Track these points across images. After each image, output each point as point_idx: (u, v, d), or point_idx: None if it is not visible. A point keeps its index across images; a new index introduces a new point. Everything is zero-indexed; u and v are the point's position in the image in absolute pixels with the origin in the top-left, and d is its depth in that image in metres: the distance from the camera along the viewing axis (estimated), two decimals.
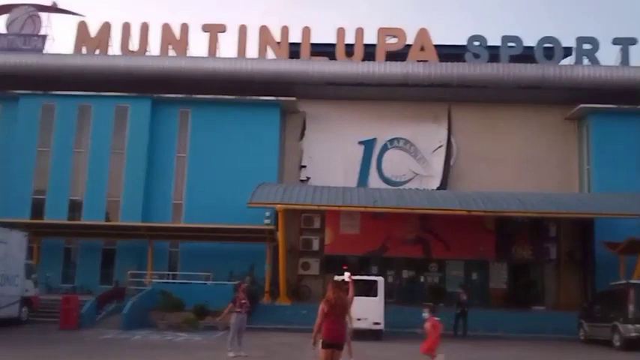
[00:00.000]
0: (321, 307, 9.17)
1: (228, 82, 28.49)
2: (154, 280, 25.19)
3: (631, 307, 18.65)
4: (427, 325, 12.06)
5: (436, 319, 12.23)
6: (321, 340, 9.04)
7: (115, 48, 29.35)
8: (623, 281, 21.04)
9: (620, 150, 27.29)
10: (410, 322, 21.84)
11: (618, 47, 28.29)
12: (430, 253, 27.24)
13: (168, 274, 26.49)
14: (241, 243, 25.86)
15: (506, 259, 27.54)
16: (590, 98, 27.80)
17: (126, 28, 29.35)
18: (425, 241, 27.10)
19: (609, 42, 28.31)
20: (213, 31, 29.38)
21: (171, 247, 27.87)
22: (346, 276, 10.46)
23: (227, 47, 29.01)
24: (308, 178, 29.06)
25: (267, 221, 26.20)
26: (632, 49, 28.10)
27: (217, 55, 29.14)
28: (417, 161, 29.45)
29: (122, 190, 27.87)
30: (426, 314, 12.23)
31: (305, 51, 28.99)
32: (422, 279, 27.74)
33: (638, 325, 18.35)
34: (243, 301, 15.70)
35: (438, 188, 28.01)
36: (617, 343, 18.83)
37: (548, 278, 27.80)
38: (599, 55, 28.11)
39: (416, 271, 27.91)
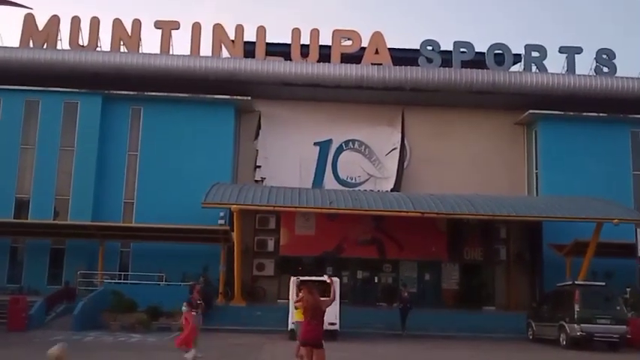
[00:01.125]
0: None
1: (182, 80, 28.10)
2: (105, 281, 24.60)
3: (577, 307, 19.36)
4: (182, 319, 12.90)
5: (193, 313, 12.97)
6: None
7: (64, 42, 28.55)
8: (570, 282, 21.80)
9: (566, 155, 28.22)
10: (365, 322, 22.26)
11: (564, 56, 29.25)
12: (384, 254, 27.57)
13: (119, 275, 25.89)
14: (195, 243, 25.50)
15: (458, 260, 28.12)
16: (538, 104, 28.67)
17: (75, 22, 28.56)
18: (379, 241, 27.41)
19: (557, 50, 29.25)
20: (167, 28, 28.89)
21: (123, 247, 27.25)
22: (326, 277, 10.67)
23: (180, 45, 28.72)
24: (263, 179, 28.95)
25: (221, 222, 25.97)
26: (577, 57, 29.08)
27: (170, 53, 28.69)
28: (372, 163, 29.75)
29: (71, 188, 27.08)
30: (184, 308, 12.96)
31: (260, 50, 28.86)
32: (376, 279, 27.99)
33: (583, 325, 19.08)
34: (199, 302, 15.60)
35: (392, 190, 28.35)
36: (564, 342, 19.52)
37: (498, 279, 28.51)
38: (547, 62, 29.04)
39: (370, 271, 28.16)
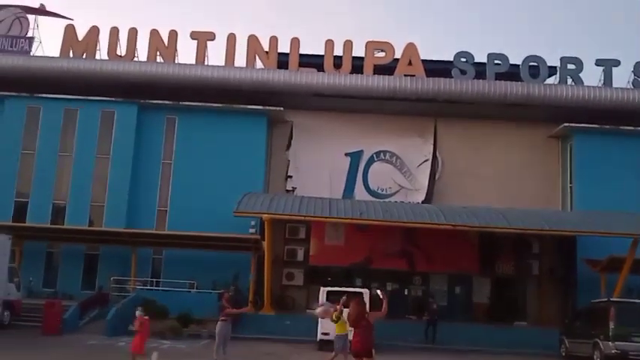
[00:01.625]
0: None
1: (216, 90, 28.51)
2: (137, 287, 24.96)
3: (612, 325, 18.92)
4: (136, 322, 13.13)
5: (146, 317, 13.03)
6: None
7: (102, 52, 29.26)
8: (605, 299, 21.35)
9: (601, 169, 27.74)
10: (394, 334, 22.09)
11: (601, 68, 28.85)
12: (414, 266, 27.41)
13: (151, 281, 26.28)
14: (226, 252, 25.74)
15: (490, 273, 27.80)
16: (573, 117, 28.27)
17: (114, 32, 29.26)
18: (409, 254, 27.27)
19: (593, 63, 28.86)
20: (202, 38, 29.38)
21: (155, 254, 27.65)
22: (380, 293, 11.12)
23: (215, 55, 29.23)
24: (294, 189, 29.12)
25: (252, 230, 26.17)
26: (615, 70, 28.65)
27: (205, 63, 29.14)
28: (403, 174, 29.68)
29: (106, 196, 27.63)
30: (139, 312, 13.03)
31: (293, 61, 29.13)
32: (406, 291, 27.83)
33: (618, 343, 18.63)
34: (231, 310, 15.75)
35: (423, 202, 28.22)
36: None
37: (530, 294, 28.09)
38: (583, 75, 28.68)
39: (400, 283, 28.00)
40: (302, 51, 29.30)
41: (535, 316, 27.38)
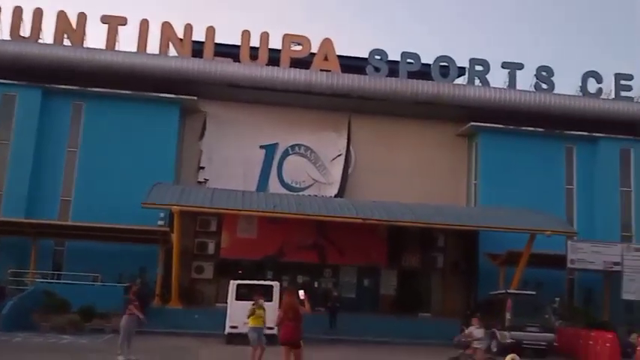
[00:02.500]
0: (279, 312, 11.81)
1: (127, 77, 27.58)
2: (37, 280, 23.85)
3: (508, 315, 20.02)
4: None
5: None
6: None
7: (4, 32, 27.65)
8: (502, 291, 22.49)
9: (504, 167, 29.05)
10: (304, 327, 22.22)
11: (507, 71, 30.16)
12: (325, 259, 27.74)
13: (52, 274, 25.13)
14: (132, 244, 25.05)
15: (397, 266, 28.56)
16: (480, 117, 29.45)
17: (17, 12, 27.70)
18: (321, 247, 27.57)
19: (499, 65, 30.14)
20: (113, 23, 28.33)
21: (57, 246, 26.49)
22: (301, 294, 11.95)
23: (127, 41, 28.31)
24: (206, 180, 28.70)
25: (161, 222, 25.59)
26: (519, 73, 30.02)
27: (116, 49, 28.15)
28: (317, 168, 29.92)
29: (5, 183, 26.19)
30: None
31: (208, 50, 28.65)
32: (316, 284, 28.10)
33: (513, 332, 19.74)
34: (135, 303, 15.43)
35: (336, 196, 28.58)
36: (495, 349, 20.06)
37: (434, 286, 29.07)
38: (489, 76, 29.89)
39: (310, 276, 28.24)
40: (218, 41, 28.88)
41: (439, 308, 28.36)
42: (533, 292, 21.91)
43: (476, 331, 14.12)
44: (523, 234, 24.89)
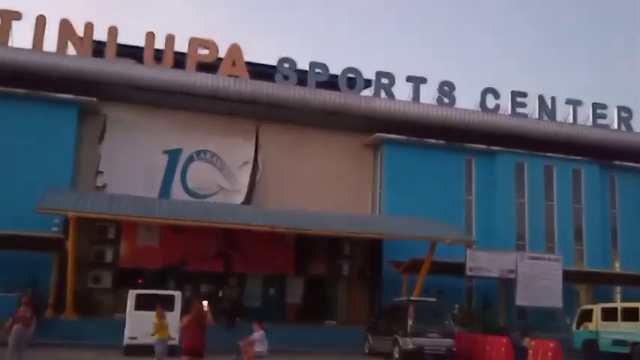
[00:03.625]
0: (183, 321, 11.75)
1: (21, 75, 25.93)
2: None
3: (410, 322, 20.35)
4: None
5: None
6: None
7: None
8: (404, 297, 22.93)
9: (408, 177, 29.77)
10: (209, 337, 21.62)
11: (411, 84, 31.03)
12: (231, 268, 27.21)
13: None
14: (24, 251, 23.45)
15: (303, 274, 28.51)
16: (385, 128, 30.07)
17: None
18: (226, 255, 27.03)
19: (404, 78, 30.94)
20: (6, 17, 26.70)
21: None
22: (204, 304, 12.36)
23: (22, 37, 26.65)
24: (105, 185, 27.41)
25: (55, 229, 24.17)
26: (422, 87, 30.95)
27: (9, 45, 26.47)
28: (223, 175, 29.36)
29: None
30: None
31: (110, 51, 27.54)
32: (220, 293, 27.48)
33: (414, 338, 20.11)
34: (25, 314, 14.42)
35: (243, 203, 28.18)
36: (397, 355, 20.41)
37: (340, 294, 29.29)
38: (395, 89, 30.64)
39: (215, 285, 27.60)
40: (121, 42, 27.82)
41: (345, 315, 28.59)
42: (434, 299, 22.46)
43: (255, 334, 13.90)
44: (425, 242, 25.54)
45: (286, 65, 29.32)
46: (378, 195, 30.68)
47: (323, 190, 29.68)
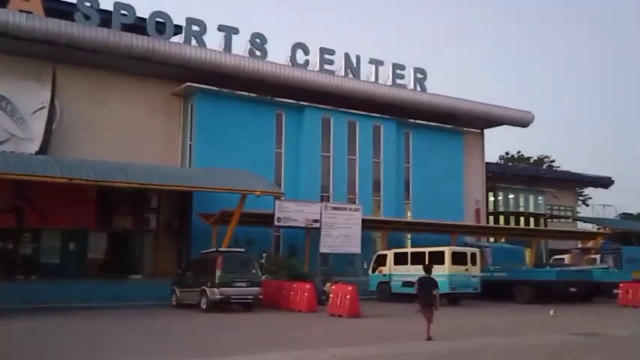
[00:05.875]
0: None
1: None
2: None
3: (218, 273, 20.58)
4: None
5: None
6: None
7: None
8: (213, 249, 23.04)
9: (219, 129, 29.62)
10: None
11: (223, 34, 30.49)
12: (24, 223, 25.08)
13: None
14: None
15: (107, 228, 27.26)
16: (196, 78, 29.36)
17: None
18: (19, 209, 24.82)
19: (216, 27, 30.31)
20: None
21: None
22: None
23: None
24: None
25: None
26: (234, 38, 30.60)
27: None
28: (15, 122, 26.62)
29: None
30: None
31: None
32: (13, 251, 25.28)
33: (222, 289, 20.41)
34: None
35: (37, 153, 25.88)
36: (204, 306, 20.60)
37: (147, 247, 28.59)
38: (206, 38, 29.91)
39: (5, 242, 25.29)
40: None
41: (152, 269, 28.04)
42: (243, 249, 22.86)
43: None
44: (235, 194, 25.70)
45: (87, 4, 27.18)
46: (188, 147, 30.11)
47: (128, 140, 28.40)
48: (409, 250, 28.22)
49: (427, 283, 14.00)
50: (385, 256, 27.57)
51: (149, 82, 29.48)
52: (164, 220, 28.71)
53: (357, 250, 29.40)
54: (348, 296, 19.42)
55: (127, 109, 28.93)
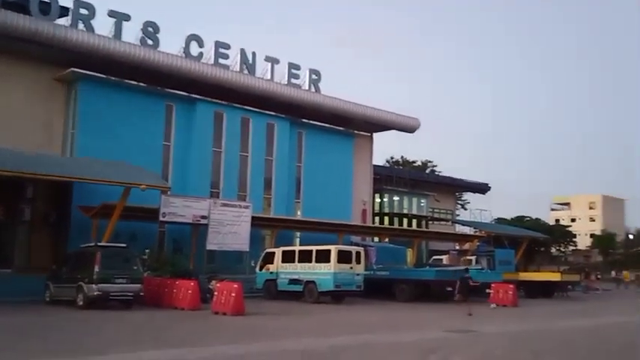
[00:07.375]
0: None
1: None
2: None
3: (96, 268, 19.75)
4: None
5: None
6: None
7: None
8: (92, 244, 22.05)
9: (105, 119, 28.30)
10: None
11: (113, 20, 29.24)
12: None
13: None
14: None
15: None
16: (81, 63, 27.93)
17: None
18: None
19: (107, 12, 29.05)
20: None
21: None
22: None
23: None
24: None
25: None
26: (125, 25, 29.43)
27: None
28: None
29: None
30: None
31: None
32: None
33: (101, 285, 19.60)
34: None
35: None
36: (81, 302, 19.68)
37: (20, 240, 26.80)
38: (94, 22, 28.53)
39: None
40: None
41: (24, 263, 26.31)
42: (124, 245, 22.00)
43: None
44: (119, 187, 24.69)
45: None
46: (70, 135, 28.57)
47: (4, 126, 26.48)
48: (297, 248, 28.46)
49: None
50: (273, 253, 27.65)
51: (31, 65, 27.65)
52: (40, 212, 27.07)
53: (246, 247, 29.24)
54: (233, 294, 19.27)
55: (4, 92, 27.00)
